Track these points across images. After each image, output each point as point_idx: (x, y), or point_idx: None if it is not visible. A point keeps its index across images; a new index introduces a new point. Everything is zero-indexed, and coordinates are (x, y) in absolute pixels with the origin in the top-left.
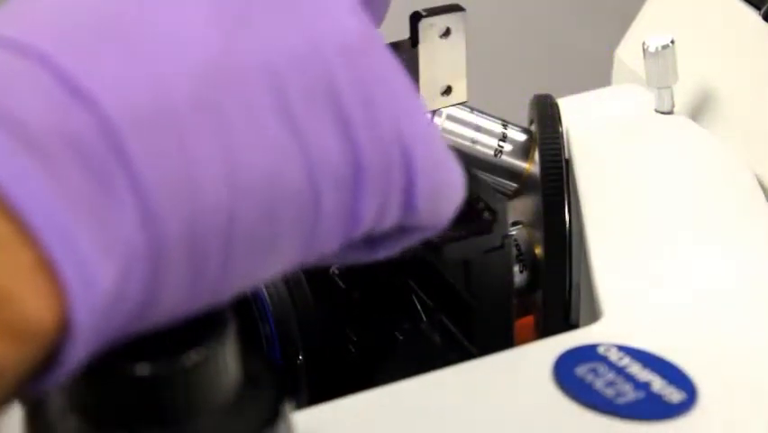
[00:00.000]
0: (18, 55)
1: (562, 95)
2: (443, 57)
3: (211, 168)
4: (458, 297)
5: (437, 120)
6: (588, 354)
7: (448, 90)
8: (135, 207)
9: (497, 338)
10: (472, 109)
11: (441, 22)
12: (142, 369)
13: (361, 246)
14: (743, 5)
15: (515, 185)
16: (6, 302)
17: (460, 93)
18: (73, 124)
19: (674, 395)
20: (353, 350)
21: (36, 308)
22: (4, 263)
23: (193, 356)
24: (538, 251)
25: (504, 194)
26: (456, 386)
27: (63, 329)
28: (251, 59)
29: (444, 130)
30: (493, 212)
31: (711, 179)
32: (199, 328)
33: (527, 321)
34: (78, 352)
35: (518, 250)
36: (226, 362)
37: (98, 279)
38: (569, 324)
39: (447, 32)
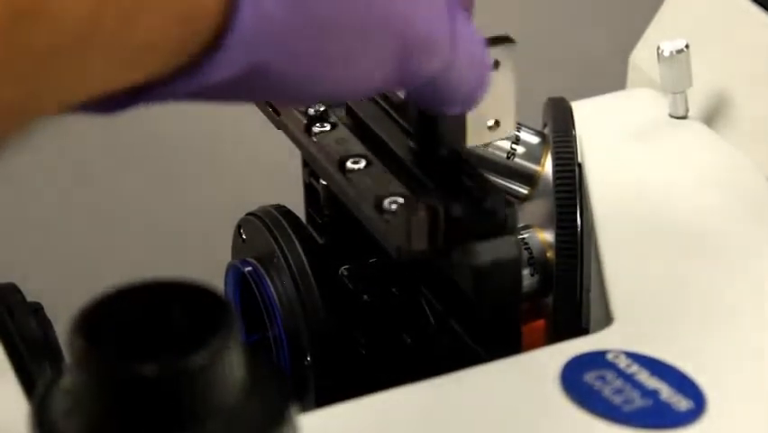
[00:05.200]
0: None
1: (577, 98)
2: (491, 90)
3: None
4: (467, 301)
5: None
6: (596, 360)
7: (496, 124)
8: None
9: (504, 343)
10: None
11: (490, 54)
12: (148, 370)
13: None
14: (758, 10)
15: (527, 188)
16: None
17: (507, 127)
18: None
19: (682, 403)
20: (362, 353)
21: None
22: None
23: (198, 358)
24: (550, 254)
25: (516, 197)
26: (464, 390)
27: (226, 18)
28: None
29: None
30: (502, 216)
31: (724, 183)
32: (205, 331)
33: (538, 325)
34: (238, 44)
35: (530, 253)
36: (232, 364)
37: None
38: (580, 328)
39: (496, 65)
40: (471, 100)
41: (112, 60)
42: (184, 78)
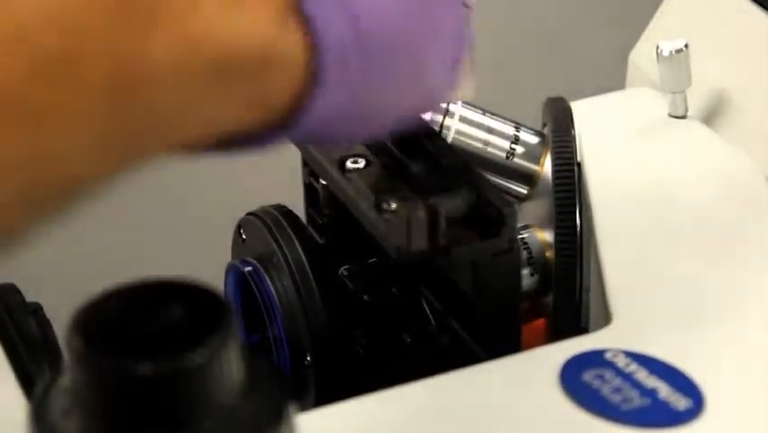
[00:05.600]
0: None
1: (576, 98)
2: None
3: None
4: (466, 300)
5: (449, 121)
6: (595, 359)
7: None
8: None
9: (504, 342)
10: (485, 111)
11: None
12: (146, 369)
13: None
14: (757, 10)
15: (526, 188)
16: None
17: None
18: None
19: (681, 402)
20: (361, 352)
21: (283, 81)
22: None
23: (196, 357)
24: (549, 254)
25: (515, 197)
26: (463, 389)
27: (297, 108)
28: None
29: (457, 132)
30: (501, 215)
31: (724, 183)
32: (203, 329)
33: (538, 325)
34: (301, 129)
35: (529, 253)
36: (230, 363)
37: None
38: (580, 328)
39: None
40: None
41: (191, 137)
42: (245, 147)
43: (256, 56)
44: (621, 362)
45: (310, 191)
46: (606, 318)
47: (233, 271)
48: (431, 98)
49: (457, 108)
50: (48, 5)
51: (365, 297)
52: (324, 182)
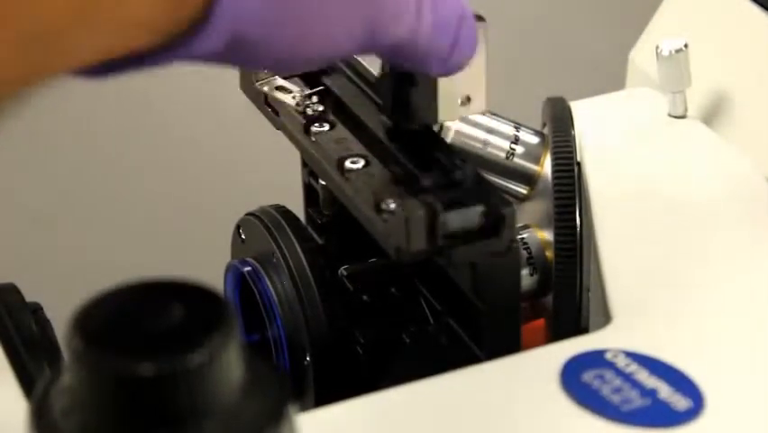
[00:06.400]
0: None
1: (576, 98)
2: None
3: None
4: (465, 300)
5: (449, 121)
6: (595, 359)
7: (467, 100)
8: None
9: (504, 342)
10: (484, 111)
11: None
12: (146, 369)
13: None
14: (757, 10)
15: (526, 188)
16: None
17: (479, 103)
18: None
19: (681, 402)
20: (361, 352)
21: None
22: None
23: (196, 357)
24: (549, 254)
25: (515, 197)
26: (463, 390)
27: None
28: None
29: (456, 132)
30: (501, 216)
31: (723, 183)
32: (203, 329)
33: (537, 324)
34: (222, 17)
35: (529, 253)
36: (230, 363)
37: None
38: (580, 328)
39: None
40: (452, 62)
41: (105, 35)
42: (172, 49)
43: None
44: (621, 362)
45: (309, 191)
46: (606, 318)
47: (233, 271)
48: (389, 11)
49: None
50: None
51: (364, 297)
52: (323, 182)
